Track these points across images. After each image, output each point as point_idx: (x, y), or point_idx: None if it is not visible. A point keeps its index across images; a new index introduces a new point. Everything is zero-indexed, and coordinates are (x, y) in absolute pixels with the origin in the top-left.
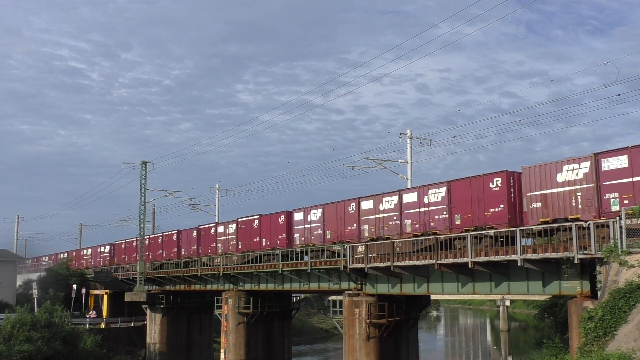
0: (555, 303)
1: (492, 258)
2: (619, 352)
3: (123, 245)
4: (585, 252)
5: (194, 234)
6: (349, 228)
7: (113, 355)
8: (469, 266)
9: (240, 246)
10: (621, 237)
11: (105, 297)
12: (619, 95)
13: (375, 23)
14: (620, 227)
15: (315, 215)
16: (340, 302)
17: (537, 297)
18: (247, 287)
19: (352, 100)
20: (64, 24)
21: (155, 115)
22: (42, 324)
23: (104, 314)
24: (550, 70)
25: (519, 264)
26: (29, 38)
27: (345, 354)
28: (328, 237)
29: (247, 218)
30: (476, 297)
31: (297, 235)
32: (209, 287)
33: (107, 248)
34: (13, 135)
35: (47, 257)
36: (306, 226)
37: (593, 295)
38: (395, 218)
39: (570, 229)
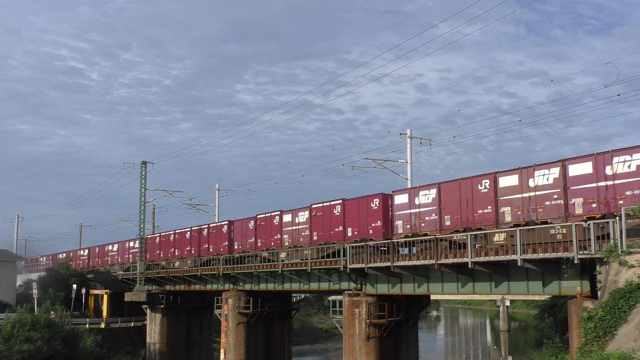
0: (555, 303)
1: (492, 258)
2: (619, 352)
3: (157, 240)
4: (585, 252)
5: (251, 224)
6: (479, 212)
7: (113, 355)
8: (469, 266)
9: (315, 237)
10: (621, 237)
11: (105, 297)
12: (618, 95)
13: (375, 23)
14: (620, 227)
15: (427, 197)
16: (340, 302)
17: (537, 297)
18: (247, 287)
19: (352, 100)
20: (63, 24)
21: (155, 115)
22: (42, 324)
23: (104, 314)
24: (550, 70)
25: (519, 264)
26: (29, 38)
27: (345, 354)
28: (447, 223)
29: (324, 204)
30: (476, 297)
31: (399, 223)
32: (209, 287)
33: (138, 243)
34: (13, 135)
35: (64, 254)
36: (413, 211)
37: (593, 295)
38: (555, 197)
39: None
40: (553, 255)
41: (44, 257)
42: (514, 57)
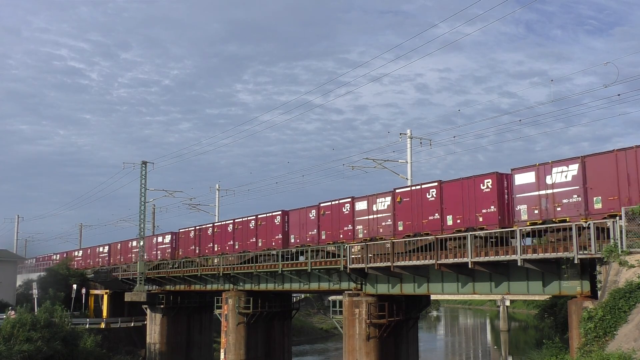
0: (555, 303)
1: (492, 258)
2: (619, 352)
3: (192, 234)
4: (586, 252)
5: (312, 214)
6: None
7: (113, 355)
8: (469, 266)
9: (401, 228)
10: (621, 237)
11: (105, 297)
12: (619, 95)
13: (375, 23)
14: (620, 227)
15: (564, 174)
16: (340, 302)
17: (537, 297)
18: (247, 287)
19: (351, 100)
20: (63, 23)
21: (154, 115)
22: (42, 324)
23: (104, 314)
24: (549, 70)
25: (519, 264)
26: (29, 38)
27: (345, 354)
28: (597, 206)
29: (413, 188)
30: (476, 297)
31: (522, 208)
32: (209, 287)
33: (168, 238)
34: (13, 135)
35: (80, 252)
36: (542, 192)
37: (593, 295)
38: None
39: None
40: (553, 255)
41: (57, 255)
42: (513, 57)
